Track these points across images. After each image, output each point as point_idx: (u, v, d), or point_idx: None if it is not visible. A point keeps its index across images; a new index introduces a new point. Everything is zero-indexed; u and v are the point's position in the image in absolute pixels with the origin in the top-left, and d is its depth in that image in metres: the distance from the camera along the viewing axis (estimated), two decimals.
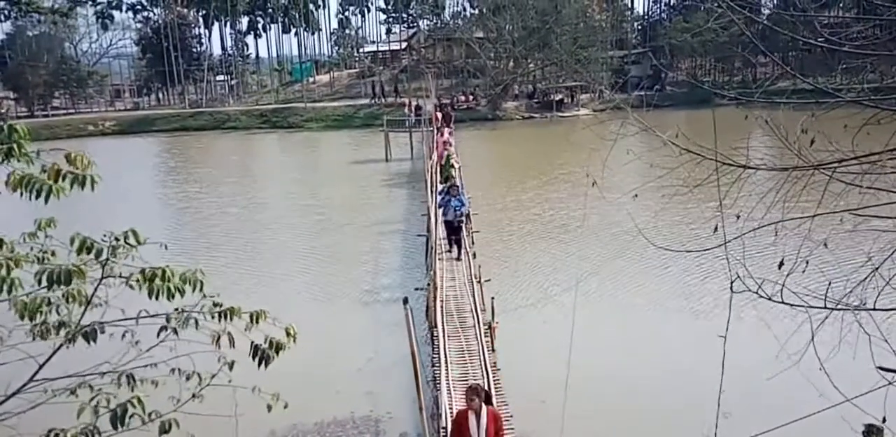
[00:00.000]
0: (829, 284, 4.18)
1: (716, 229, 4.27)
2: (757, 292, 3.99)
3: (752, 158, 4.50)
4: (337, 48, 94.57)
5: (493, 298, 13.70)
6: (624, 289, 17.34)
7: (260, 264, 21.62)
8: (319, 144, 56.73)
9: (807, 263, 4.30)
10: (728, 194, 4.51)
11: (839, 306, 4.13)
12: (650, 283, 17.56)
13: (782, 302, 3.96)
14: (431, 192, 21.97)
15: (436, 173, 23.87)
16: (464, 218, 17.52)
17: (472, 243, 19.41)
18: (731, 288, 3.92)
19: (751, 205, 4.63)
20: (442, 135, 27.51)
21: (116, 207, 27.96)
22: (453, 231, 17.18)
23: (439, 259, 16.60)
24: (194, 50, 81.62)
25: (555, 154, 37.84)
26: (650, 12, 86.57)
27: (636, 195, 5.50)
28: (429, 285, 15.04)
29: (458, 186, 18.05)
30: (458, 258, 16.80)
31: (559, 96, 66.75)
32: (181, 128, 65.17)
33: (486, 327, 12.79)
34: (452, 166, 22.73)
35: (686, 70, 77.17)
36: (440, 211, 17.24)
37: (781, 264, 4.17)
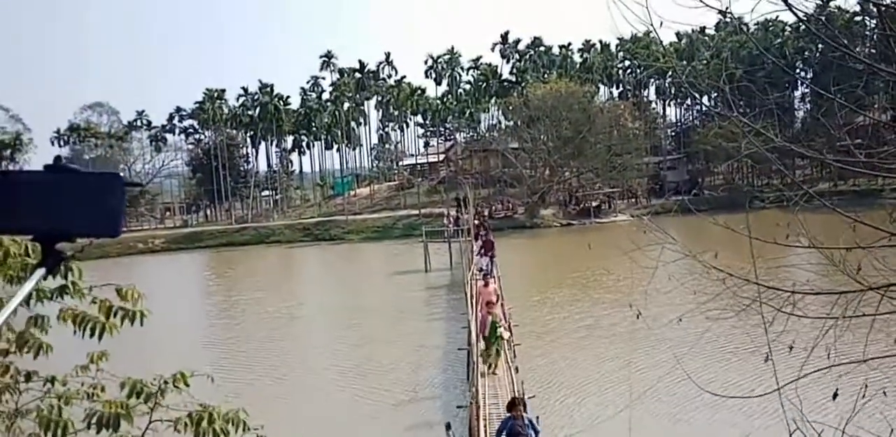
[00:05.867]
0: (892, 431, 3.91)
1: (766, 358, 4.09)
2: None
3: (797, 282, 4.38)
4: (377, 162, 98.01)
5: (537, 417, 13.13)
6: (673, 422, 16.26)
7: (297, 378, 21.33)
8: (360, 255, 57.37)
9: (863, 390, 4.04)
10: (776, 319, 4.36)
11: None
12: (701, 417, 16.37)
13: None
14: (471, 305, 21.68)
15: (478, 346, 16.64)
16: None
17: (514, 356, 18.92)
18: None
19: (801, 329, 4.45)
20: (486, 285, 19.65)
21: (162, 325, 28.19)
22: None
23: (481, 375, 16.12)
24: (241, 168, 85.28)
25: (594, 262, 37.51)
26: (683, 119, 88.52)
27: (680, 320, 5.36)
28: (471, 403, 14.54)
29: (523, 402, 11.77)
30: None
31: (596, 203, 67.29)
32: (227, 243, 66.81)
33: None
34: (501, 337, 16.20)
35: (723, 174, 77.66)
36: None
37: (836, 395, 3.94)
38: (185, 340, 27.52)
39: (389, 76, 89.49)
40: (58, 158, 1.45)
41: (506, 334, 16.69)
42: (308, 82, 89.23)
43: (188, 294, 41.86)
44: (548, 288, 33.14)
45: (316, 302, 36.16)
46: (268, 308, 33.61)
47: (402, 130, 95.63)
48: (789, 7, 4.32)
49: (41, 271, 1.39)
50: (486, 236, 31.29)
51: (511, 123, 77.94)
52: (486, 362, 15.96)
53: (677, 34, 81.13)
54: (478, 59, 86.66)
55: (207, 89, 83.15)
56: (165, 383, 4.11)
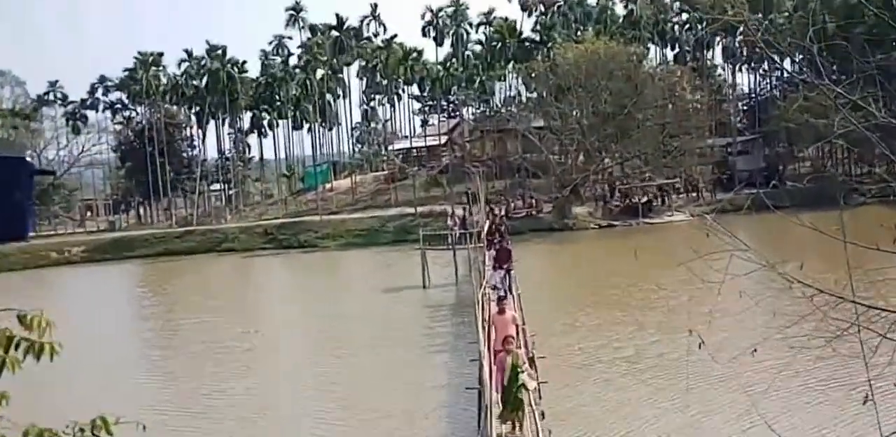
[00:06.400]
0: None
1: (866, 399, 4.08)
2: None
3: None
4: (360, 146, 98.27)
5: None
6: None
7: (255, 429, 21.34)
8: (338, 266, 57.36)
9: None
10: (879, 348, 4.33)
11: None
12: None
13: None
14: (483, 337, 21.64)
15: (497, 400, 15.37)
16: None
17: (540, 397, 18.93)
18: None
19: None
20: (502, 312, 18.19)
21: (80, 358, 28.24)
22: None
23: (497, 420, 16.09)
24: (185, 154, 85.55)
25: (641, 274, 37.55)
26: (758, 89, 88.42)
27: (755, 350, 5.36)
28: None
29: None
30: None
31: (645, 198, 67.31)
32: (166, 252, 67.00)
33: None
34: (524, 388, 15.02)
35: (811, 160, 77.58)
36: None
37: None
38: (109, 377, 27.54)
39: (376, 35, 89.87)
40: None
41: (531, 384, 15.29)
42: (270, 43, 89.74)
43: (115, 318, 41.92)
44: (580, 308, 33.19)
45: (281, 328, 36.22)
46: (219, 336, 33.67)
47: (392, 105, 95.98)
48: None
49: None
50: (501, 242, 31.27)
51: (534, 94, 77.98)
52: (506, 420, 15.18)
53: None
54: (490, 12, 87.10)
55: (140, 53, 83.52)
56: (82, 431, 4.12)
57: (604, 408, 20.83)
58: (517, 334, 18.01)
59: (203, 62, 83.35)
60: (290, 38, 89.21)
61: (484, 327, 21.39)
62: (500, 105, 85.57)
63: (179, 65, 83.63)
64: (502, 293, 24.85)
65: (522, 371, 14.94)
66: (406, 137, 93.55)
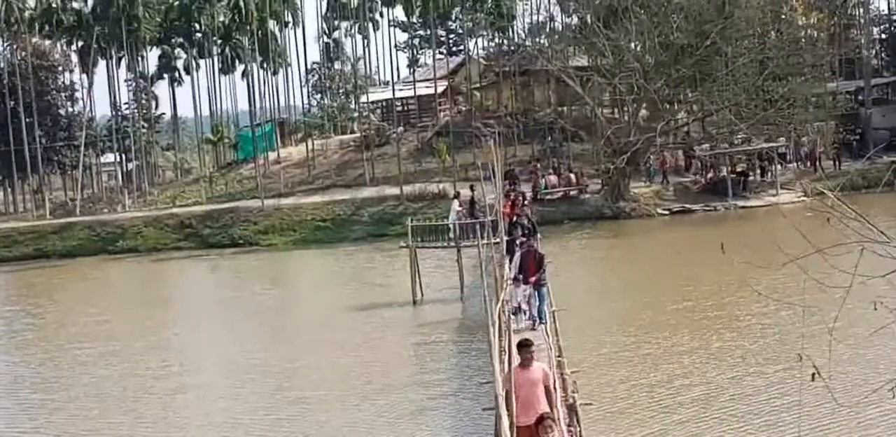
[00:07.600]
0: None
1: None
2: None
3: None
4: (319, 97, 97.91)
5: None
6: None
7: None
8: (290, 274, 57.36)
9: None
10: None
11: None
12: None
13: None
14: (501, 362, 21.75)
15: None
16: None
17: None
18: None
19: None
20: (527, 364, 16.42)
21: None
22: None
23: None
24: (62, 112, 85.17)
25: (726, 278, 37.60)
26: None
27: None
28: None
29: None
30: None
31: (738, 169, 67.13)
32: (37, 254, 67.05)
33: None
34: None
35: None
36: None
37: None
38: None
39: None
40: None
41: None
42: None
43: None
44: (635, 331, 33.19)
45: (209, 365, 36.25)
46: (119, 374, 33.74)
47: (366, 37, 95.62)
48: None
49: None
50: (527, 242, 31.01)
51: (574, 19, 77.76)
52: None
53: None
54: None
55: None
56: None
57: None
58: (551, 393, 16.99)
59: None
60: None
61: (501, 360, 21.45)
62: (523, 36, 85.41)
63: None
64: (526, 322, 24.84)
65: None
66: (387, 83, 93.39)
